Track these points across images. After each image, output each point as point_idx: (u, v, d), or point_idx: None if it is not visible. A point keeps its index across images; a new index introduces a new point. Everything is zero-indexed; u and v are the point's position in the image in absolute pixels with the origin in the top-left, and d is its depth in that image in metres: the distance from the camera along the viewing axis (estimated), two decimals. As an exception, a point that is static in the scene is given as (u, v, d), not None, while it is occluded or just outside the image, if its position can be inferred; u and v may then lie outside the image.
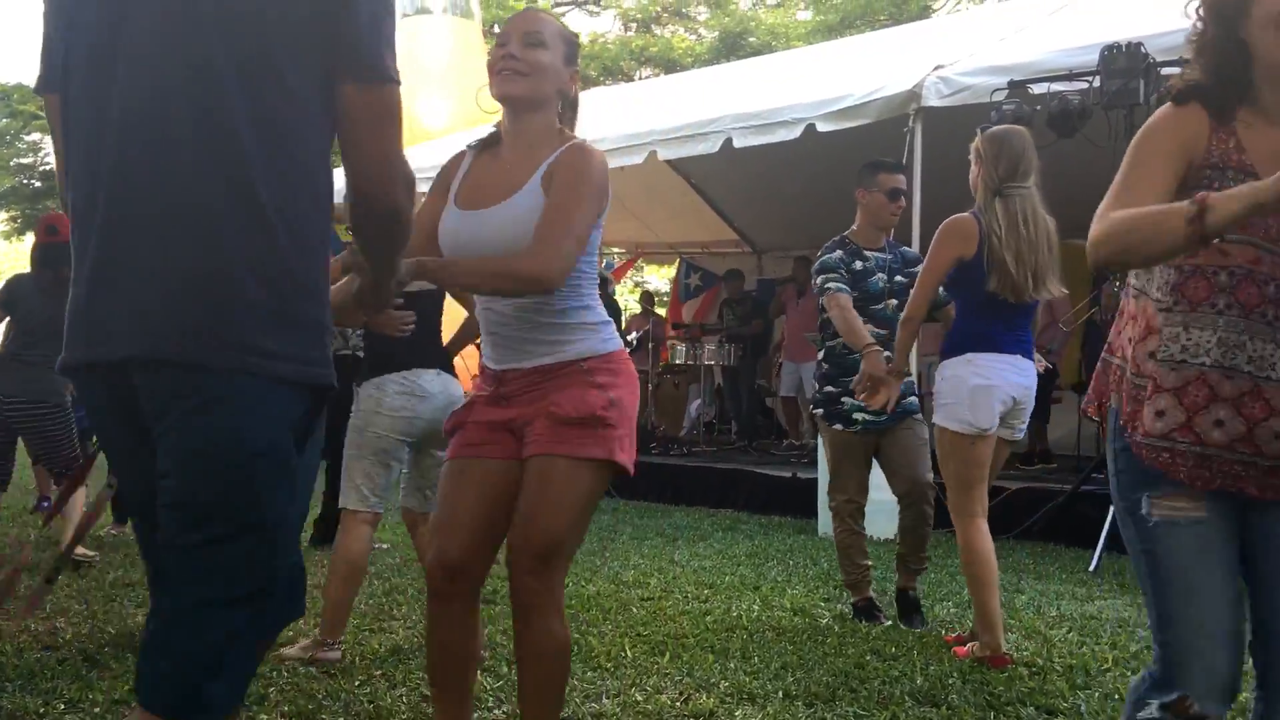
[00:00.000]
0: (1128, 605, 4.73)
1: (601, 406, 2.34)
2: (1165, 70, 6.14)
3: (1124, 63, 6.03)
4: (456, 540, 2.39)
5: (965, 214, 3.83)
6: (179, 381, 1.60)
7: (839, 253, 4.42)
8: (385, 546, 5.87)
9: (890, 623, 4.33)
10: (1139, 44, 6.04)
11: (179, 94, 1.57)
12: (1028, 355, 3.89)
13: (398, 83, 1.67)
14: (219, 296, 1.58)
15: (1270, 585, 1.92)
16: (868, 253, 4.46)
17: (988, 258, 3.72)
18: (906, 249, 4.73)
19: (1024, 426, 3.96)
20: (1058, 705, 3.26)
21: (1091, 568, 5.52)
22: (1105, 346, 2.06)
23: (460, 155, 2.54)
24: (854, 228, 4.54)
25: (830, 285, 4.33)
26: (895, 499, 4.44)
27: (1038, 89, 6.54)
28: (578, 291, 2.40)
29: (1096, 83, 6.20)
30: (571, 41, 2.45)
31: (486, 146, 2.51)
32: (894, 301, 4.42)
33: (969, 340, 3.84)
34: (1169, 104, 1.92)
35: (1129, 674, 3.59)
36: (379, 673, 3.52)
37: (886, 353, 4.09)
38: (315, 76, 1.62)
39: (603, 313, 2.46)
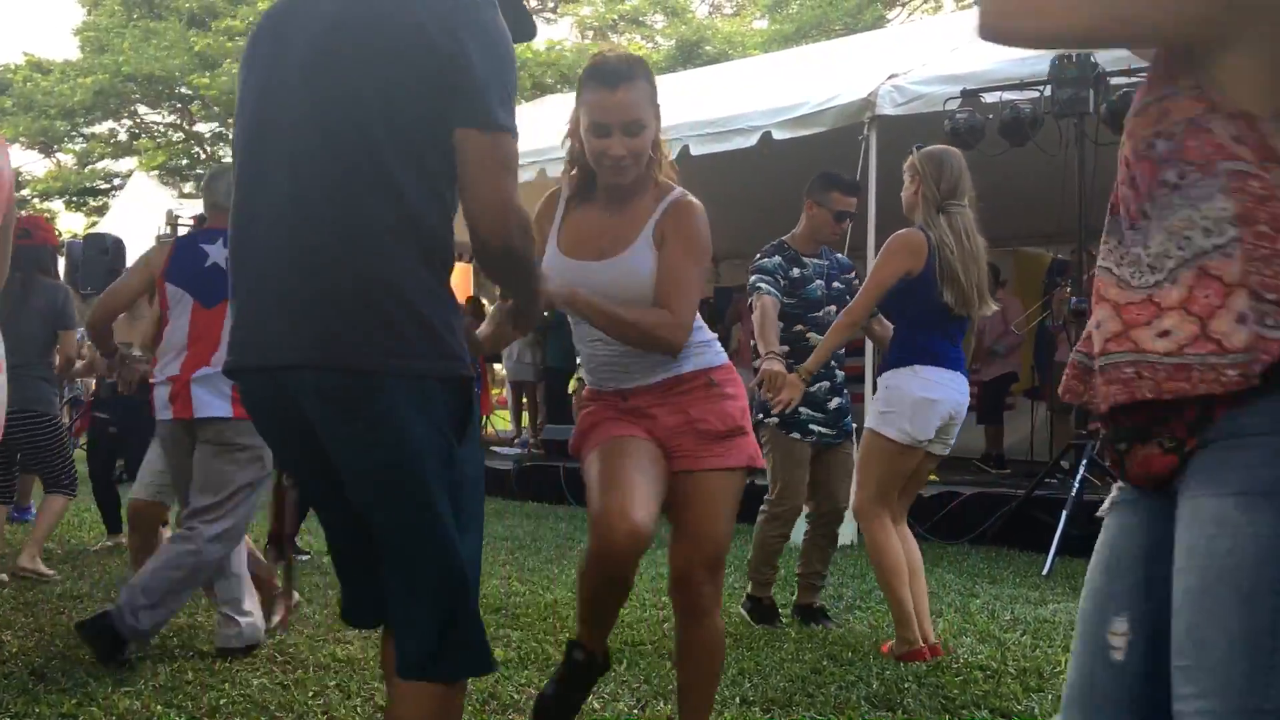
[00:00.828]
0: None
1: (740, 416, 2.56)
2: (1115, 80, 6.26)
3: (1074, 72, 6.13)
4: (637, 506, 2.40)
5: (913, 229, 3.87)
6: (336, 384, 1.79)
7: (778, 258, 4.46)
8: (309, 556, 5.83)
9: (839, 627, 4.39)
10: (1089, 54, 6.13)
11: (342, 139, 1.80)
12: (964, 372, 3.97)
13: (513, 133, 1.81)
14: (365, 308, 1.78)
15: None
16: (806, 259, 4.50)
17: (941, 271, 3.77)
18: (841, 256, 4.77)
19: (953, 440, 4.02)
20: (1011, 708, 3.29)
21: (1045, 571, 5.57)
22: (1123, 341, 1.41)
23: (554, 195, 2.65)
24: (795, 233, 4.58)
25: (761, 285, 4.37)
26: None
27: (990, 98, 6.63)
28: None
29: (1048, 92, 6.29)
30: (653, 85, 2.54)
31: (583, 195, 2.60)
32: (832, 308, 4.47)
33: (915, 353, 3.88)
34: None
35: (1081, 676, 3.63)
36: (333, 683, 3.48)
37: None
38: (438, 119, 1.79)
39: (707, 330, 2.64)
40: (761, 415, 4.26)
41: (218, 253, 3.84)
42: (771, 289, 4.34)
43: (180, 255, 3.97)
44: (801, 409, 4.36)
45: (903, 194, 3.96)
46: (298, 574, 4.75)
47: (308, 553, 5.93)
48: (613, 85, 2.43)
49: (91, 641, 3.58)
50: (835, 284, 4.54)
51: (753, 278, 4.44)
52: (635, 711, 3.21)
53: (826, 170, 4.67)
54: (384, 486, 1.82)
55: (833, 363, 4.39)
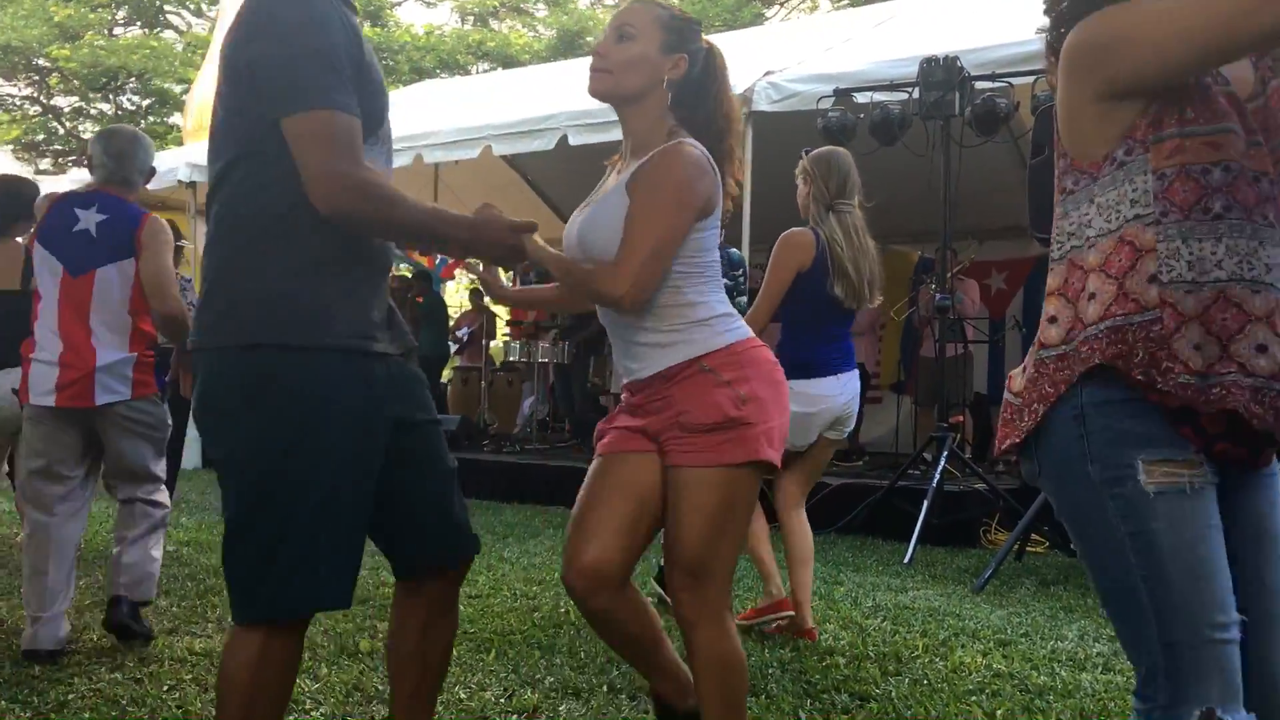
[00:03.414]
0: (937, 596, 4.94)
1: (733, 406, 2.22)
2: (979, 84, 6.46)
3: (941, 75, 6.31)
4: (591, 543, 2.29)
5: (800, 228, 4.00)
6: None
7: None
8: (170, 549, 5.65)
9: None
10: (955, 58, 6.32)
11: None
12: (849, 364, 4.09)
13: (333, 107, 1.92)
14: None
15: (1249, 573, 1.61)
16: None
17: (832, 266, 3.91)
18: (732, 250, 4.82)
19: (849, 428, 4.18)
20: (870, 691, 3.38)
21: (906, 560, 5.74)
22: (1035, 344, 1.71)
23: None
24: None
25: None
26: None
27: (861, 98, 6.77)
28: (678, 290, 2.29)
29: (916, 94, 6.46)
30: (675, 26, 2.33)
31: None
32: None
33: (795, 367, 3.89)
34: None
35: (937, 660, 3.76)
36: (189, 676, 3.38)
37: None
38: (273, 124, 1.95)
39: (718, 305, 2.32)
40: None
41: (90, 219, 3.68)
42: None
43: (52, 216, 3.74)
44: None
45: (798, 197, 4.09)
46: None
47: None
48: (628, 6, 2.36)
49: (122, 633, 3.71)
50: (725, 280, 4.55)
51: None
52: (502, 701, 3.20)
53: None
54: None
55: None
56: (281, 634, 1.99)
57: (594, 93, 2.34)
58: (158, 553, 3.87)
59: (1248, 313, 1.52)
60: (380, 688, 3.28)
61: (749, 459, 2.23)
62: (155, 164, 3.96)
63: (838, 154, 4.07)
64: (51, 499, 3.69)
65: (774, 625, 4.08)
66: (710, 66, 2.37)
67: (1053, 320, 1.66)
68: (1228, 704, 1.50)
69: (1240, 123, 1.55)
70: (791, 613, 4.04)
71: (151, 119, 25.17)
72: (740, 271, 4.78)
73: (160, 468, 3.90)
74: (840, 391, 4.03)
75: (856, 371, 4.14)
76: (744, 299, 4.63)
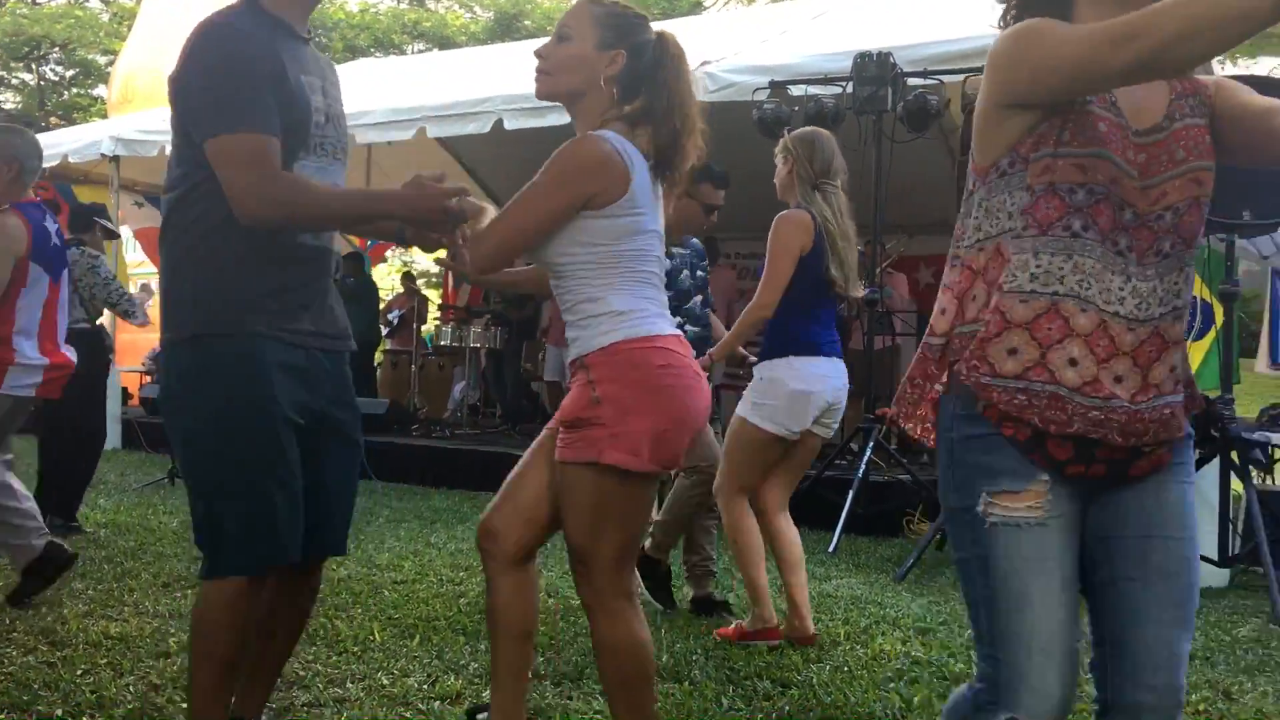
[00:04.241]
0: (860, 584, 5.01)
1: (583, 406, 2.24)
2: (911, 81, 6.54)
3: (874, 71, 6.38)
4: (499, 507, 2.48)
5: (795, 208, 3.84)
6: None
7: None
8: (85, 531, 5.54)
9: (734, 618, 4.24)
10: (888, 54, 6.39)
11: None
12: (840, 355, 3.98)
13: (230, 130, 2.14)
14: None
15: (1120, 587, 1.71)
16: (673, 250, 4.34)
17: (829, 246, 3.79)
18: (696, 240, 4.63)
19: (836, 424, 4.05)
20: (792, 678, 3.42)
21: (830, 549, 5.81)
22: (927, 331, 1.82)
23: None
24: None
25: None
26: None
27: (796, 90, 6.82)
28: (583, 284, 2.29)
29: (849, 88, 6.52)
30: (612, 23, 2.34)
31: None
32: (699, 298, 4.42)
33: (790, 343, 3.86)
34: None
35: (858, 647, 3.82)
36: (104, 661, 3.32)
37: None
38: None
39: (618, 302, 2.26)
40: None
41: (54, 227, 4.09)
42: None
43: (37, 233, 4.00)
44: None
45: (776, 178, 3.94)
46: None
47: (81, 528, 5.62)
48: (574, 6, 2.39)
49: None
50: (698, 272, 4.48)
51: None
52: (425, 687, 3.19)
53: (706, 163, 4.59)
54: None
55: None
56: (240, 586, 2.27)
57: (538, 95, 2.40)
58: None
59: (1072, 327, 1.64)
60: (300, 673, 3.25)
61: (585, 459, 2.23)
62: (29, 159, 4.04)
63: (821, 134, 3.95)
64: None
65: (759, 628, 3.89)
66: (660, 56, 2.36)
67: (942, 312, 1.79)
68: (1033, 714, 1.67)
69: (1118, 152, 1.63)
70: (778, 641, 3.85)
71: (75, 90, 24.53)
72: (706, 260, 4.60)
73: None
74: (836, 374, 3.90)
75: (843, 364, 3.99)
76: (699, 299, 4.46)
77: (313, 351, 2.35)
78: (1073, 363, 1.64)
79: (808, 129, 4.05)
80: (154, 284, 10.66)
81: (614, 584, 2.32)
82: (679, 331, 2.37)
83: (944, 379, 1.77)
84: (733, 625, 3.98)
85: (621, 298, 2.27)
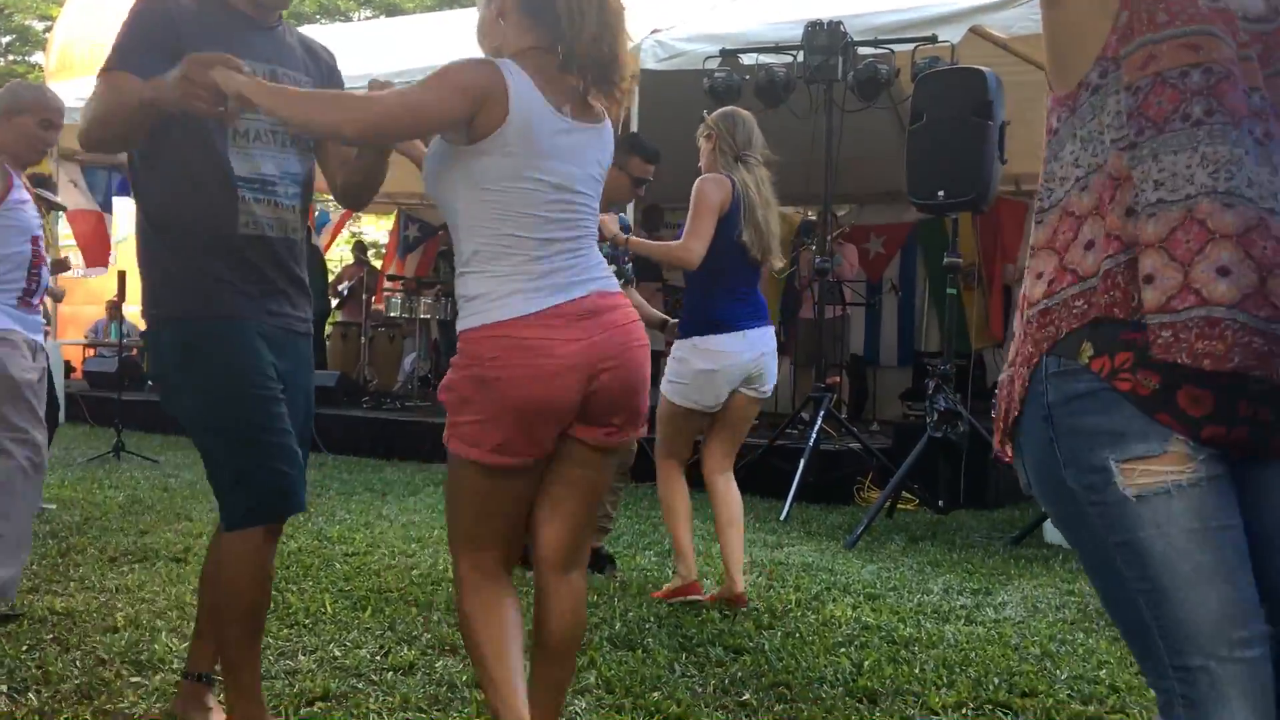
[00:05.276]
0: (811, 551, 5.06)
1: (442, 388, 2.16)
2: (862, 50, 6.55)
3: (825, 40, 6.37)
4: None
5: (714, 173, 3.97)
6: None
7: None
8: (53, 507, 5.44)
9: (621, 574, 4.44)
10: (839, 23, 6.39)
11: None
12: (759, 319, 4.04)
13: (103, 70, 2.32)
14: None
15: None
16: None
17: (745, 212, 3.91)
18: (622, 214, 4.72)
19: (768, 387, 4.12)
20: (744, 645, 3.45)
21: (782, 517, 5.86)
22: (1022, 302, 1.51)
23: None
24: None
25: None
26: None
27: (747, 59, 6.80)
28: (464, 257, 2.14)
29: (800, 57, 6.51)
30: None
31: None
32: (613, 268, 4.44)
33: (699, 324, 3.99)
34: None
35: (809, 614, 3.86)
36: (50, 636, 3.27)
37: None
38: None
39: (481, 284, 2.10)
40: None
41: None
42: None
43: None
44: None
45: (701, 158, 4.06)
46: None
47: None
48: None
49: None
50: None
51: None
52: (378, 658, 3.18)
53: (631, 132, 4.63)
54: None
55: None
56: (258, 536, 2.39)
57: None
58: None
59: (1212, 230, 1.31)
60: (298, 643, 3.22)
61: (446, 443, 2.16)
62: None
63: (741, 112, 4.10)
64: None
65: (709, 595, 3.99)
66: None
67: (1039, 276, 1.47)
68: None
69: (1228, 32, 1.35)
70: (699, 596, 3.95)
71: (12, 57, 23.91)
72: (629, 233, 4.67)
73: None
74: (746, 348, 3.96)
75: (770, 327, 4.09)
76: (629, 266, 4.47)
77: (269, 325, 2.46)
78: (1223, 272, 1.30)
79: (728, 108, 4.20)
80: (73, 258, 10.43)
81: (459, 557, 2.24)
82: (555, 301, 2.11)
83: (1047, 349, 1.42)
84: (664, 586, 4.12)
85: (491, 276, 2.10)
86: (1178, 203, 1.33)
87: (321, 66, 2.61)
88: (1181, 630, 1.33)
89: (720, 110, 4.14)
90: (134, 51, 2.29)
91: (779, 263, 4.11)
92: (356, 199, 2.66)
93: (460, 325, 2.15)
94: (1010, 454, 1.51)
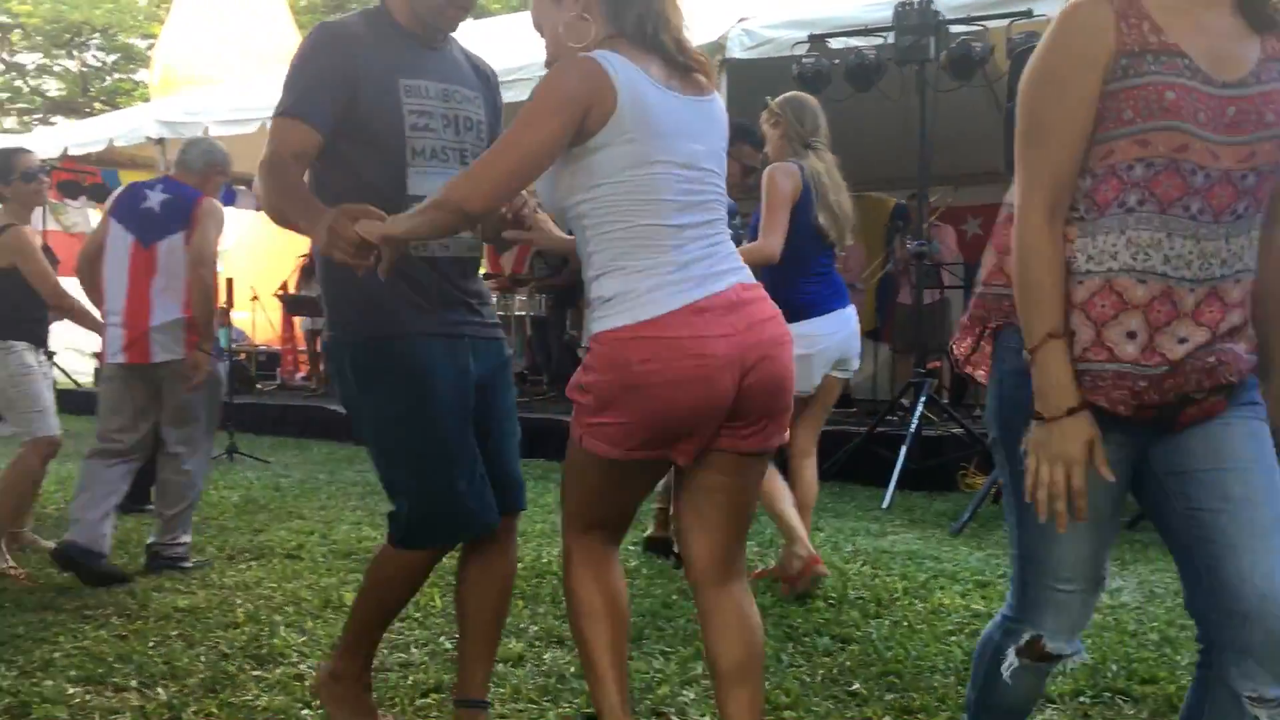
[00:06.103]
0: (916, 539, 5.00)
1: (573, 387, 2.08)
2: (954, 29, 6.43)
3: (916, 20, 6.27)
4: None
5: (781, 162, 3.99)
6: None
7: None
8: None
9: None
10: (929, 1, 6.27)
11: None
12: (843, 299, 4.07)
13: (282, 115, 2.29)
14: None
15: (1202, 517, 1.69)
16: None
17: (816, 197, 3.94)
18: (732, 202, 4.71)
19: (855, 366, 4.19)
20: (851, 634, 3.42)
21: (885, 505, 5.79)
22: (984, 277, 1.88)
23: None
24: None
25: None
26: None
27: (836, 44, 6.72)
28: (590, 260, 2.05)
29: (891, 39, 6.41)
30: None
31: None
32: None
33: (786, 312, 3.90)
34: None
35: (916, 602, 3.81)
36: (175, 633, 3.39)
37: None
38: None
39: (620, 282, 1.99)
40: None
41: (156, 198, 4.33)
42: None
43: (124, 195, 4.43)
44: None
45: (768, 143, 4.08)
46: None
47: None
48: None
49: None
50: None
51: None
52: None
53: (740, 120, 4.62)
54: None
55: None
56: (422, 557, 2.45)
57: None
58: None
59: (1126, 301, 1.64)
60: (410, 637, 3.29)
61: (571, 435, 2.12)
62: (218, 159, 4.53)
63: (806, 98, 4.12)
64: (112, 453, 4.23)
65: (759, 570, 4.04)
66: None
67: (982, 263, 1.90)
68: (1057, 635, 1.82)
69: (1189, 117, 1.58)
70: (822, 571, 3.87)
71: (117, 75, 24.76)
72: (736, 216, 4.68)
73: (202, 415, 4.40)
74: (838, 329, 4.01)
75: (853, 308, 4.12)
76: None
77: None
78: (1130, 336, 1.65)
79: (792, 93, 4.21)
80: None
81: (569, 542, 2.22)
82: (715, 291, 2.03)
83: (998, 325, 1.84)
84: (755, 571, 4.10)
85: (625, 277, 2.00)
86: (1100, 274, 1.65)
87: (489, 83, 2.56)
88: (1026, 558, 1.83)
89: (785, 95, 4.13)
90: (307, 93, 2.27)
91: (849, 242, 4.15)
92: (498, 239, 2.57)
93: (597, 327, 2.02)
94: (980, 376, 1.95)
